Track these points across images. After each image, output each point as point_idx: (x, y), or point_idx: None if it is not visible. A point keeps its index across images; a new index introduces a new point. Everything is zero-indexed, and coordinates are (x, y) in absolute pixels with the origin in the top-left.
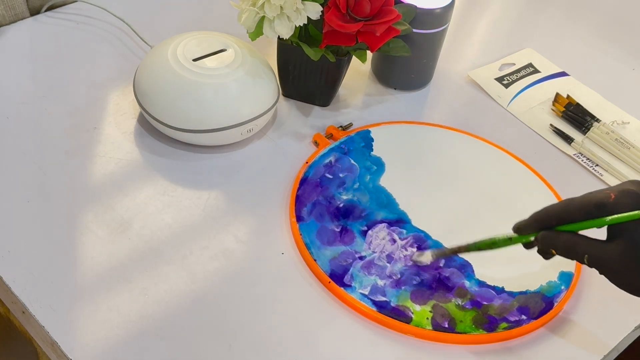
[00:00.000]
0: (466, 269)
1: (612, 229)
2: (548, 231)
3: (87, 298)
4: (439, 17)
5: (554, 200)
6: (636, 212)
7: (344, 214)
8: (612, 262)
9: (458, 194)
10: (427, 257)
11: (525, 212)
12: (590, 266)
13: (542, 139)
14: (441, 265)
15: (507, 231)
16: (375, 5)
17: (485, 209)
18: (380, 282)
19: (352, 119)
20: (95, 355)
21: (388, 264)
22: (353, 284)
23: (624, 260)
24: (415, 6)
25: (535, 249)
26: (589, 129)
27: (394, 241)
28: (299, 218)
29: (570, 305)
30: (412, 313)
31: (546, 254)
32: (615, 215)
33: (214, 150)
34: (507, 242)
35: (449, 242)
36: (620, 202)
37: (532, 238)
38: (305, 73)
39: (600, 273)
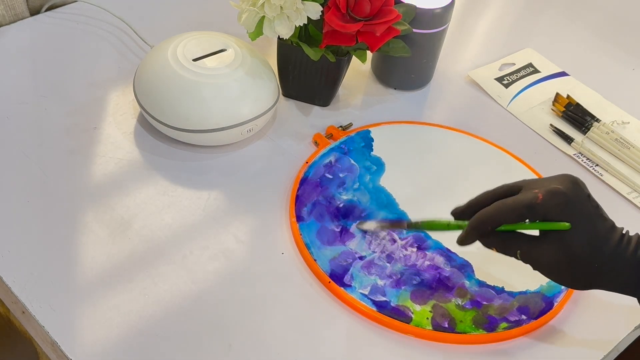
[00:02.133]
0: (466, 269)
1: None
2: (484, 237)
3: (87, 298)
4: (439, 17)
5: None
6: (563, 224)
7: (344, 214)
8: (542, 261)
9: (458, 194)
10: (370, 225)
11: None
12: (523, 261)
13: (542, 139)
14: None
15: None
16: (375, 5)
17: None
18: (380, 282)
19: (352, 119)
20: (95, 355)
21: (388, 264)
22: (353, 284)
23: (553, 259)
24: (415, 6)
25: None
26: (589, 129)
27: (394, 241)
28: (299, 218)
29: (570, 305)
30: (412, 313)
31: (462, 242)
32: (542, 224)
33: (214, 150)
34: (444, 226)
35: (449, 242)
36: (547, 203)
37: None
38: (305, 73)
39: (534, 269)
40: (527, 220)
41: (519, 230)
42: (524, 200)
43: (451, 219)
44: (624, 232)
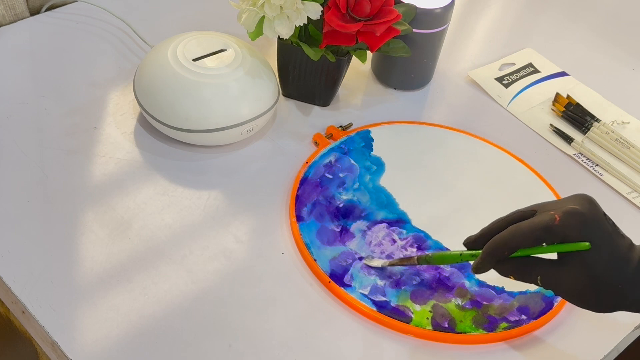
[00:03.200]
0: (466, 269)
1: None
2: (500, 264)
3: (87, 298)
4: (439, 17)
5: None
6: (583, 243)
7: (344, 214)
8: (565, 285)
9: (458, 194)
10: (378, 263)
11: None
12: (544, 287)
13: (542, 139)
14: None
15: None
16: (375, 5)
17: (485, 209)
18: (380, 282)
19: (352, 119)
20: (95, 355)
21: None
22: (353, 284)
23: (576, 283)
24: (415, 6)
25: (487, 218)
26: (589, 129)
27: (394, 241)
28: (299, 218)
29: (570, 305)
30: (412, 313)
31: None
32: (561, 246)
33: (214, 150)
34: (457, 258)
35: (449, 242)
36: (566, 224)
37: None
38: (305, 73)
39: (556, 294)
40: (544, 244)
41: (536, 256)
42: (541, 223)
43: (463, 249)
44: None
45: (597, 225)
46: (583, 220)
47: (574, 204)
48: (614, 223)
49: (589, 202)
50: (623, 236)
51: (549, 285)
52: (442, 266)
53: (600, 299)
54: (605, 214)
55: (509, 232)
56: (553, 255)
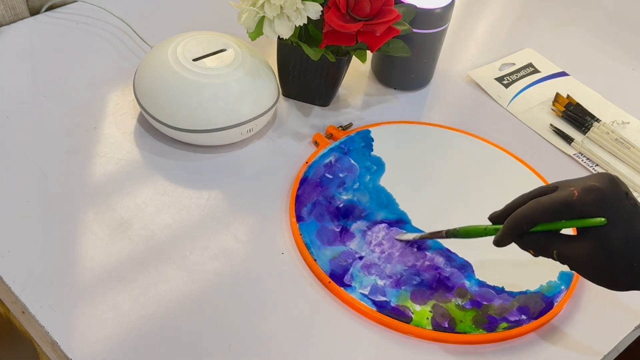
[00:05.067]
0: (466, 269)
1: (580, 228)
2: (520, 238)
3: (87, 298)
4: (439, 17)
5: None
6: (597, 219)
7: (344, 214)
8: (580, 260)
9: (458, 194)
10: (409, 237)
11: None
12: (560, 262)
13: (542, 139)
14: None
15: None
16: (375, 5)
17: (485, 209)
18: (380, 282)
19: (352, 119)
20: (95, 355)
21: (388, 264)
22: (353, 284)
23: (591, 258)
24: (415, 6)
25: (487, 218)
26: (589, 129)
27: (394, 241)
28: (299, 218)
29: (570, 305)
30: (412, 313)
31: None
32: (578, 221)
33: (214, 150)
34: (482, 231)
35: (449, 242)
36: (584, 200)
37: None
38: (305, 73)
39: (571, 269)
40: (563, 220)
41: (555, 231)
42: (559, 198)
43: (487, 223)
44: None
45: (616, 202)
46: (601, 197)
47: (594, 181)
48: (636, 202)
49: (609, 180)
50: None
51: (565, 260)
52: (441, 266)
53: (615, 276)
54: (627, 193)
55: (529, 206)
56: (572, 232)
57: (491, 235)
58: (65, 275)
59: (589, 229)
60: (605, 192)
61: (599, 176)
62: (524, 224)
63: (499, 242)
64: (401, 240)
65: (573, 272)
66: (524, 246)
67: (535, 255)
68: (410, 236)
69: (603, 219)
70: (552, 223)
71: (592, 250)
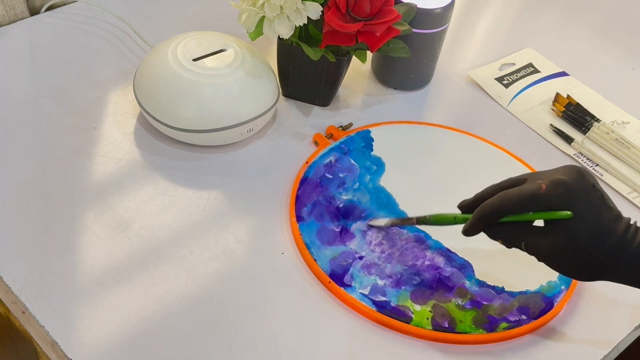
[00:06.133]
0: (466, 269)
1: (548, 220)
2: (489, 229)
3: (87, 298)
4: (439, 17)
5: None
6: (563, 212)
7: (344, 214)
8: (546, 252)
9: (458, 194)
10: (381, 222)
11: None
12: (528, 252)
13: (542, 139)
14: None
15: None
16: (375, 5)
17: None
18: (380, 282)
19: (352, 119)
20: (95, 355)
21: (388, 264)
22: (353, 284)
23: (557, 250)
24: (415, 6)
25: None
26: (589, 129)
27: (394, 241)
28: (299, 218)
29: (570, 305)
30: (412, 313)
31: (467, 234)
32: (544, 214)
33: (214, 150)
34: (451, 220)
35: (449, 242)
36: (551, 193)
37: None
38: (305, 73)
39: (538, 260)
40: (530, 212)
41: (523, 222)
42: (528, 191)
43: (458, 212)
44: (631, 222)
45: (582, 195)
46: (568, 190)
47: (562, 174)
48: (603, 194)
49: (577, 173)
50: (610, 208)
51: (532, 251)
52: (441, 266)
53: (580, 268)
54: (594, 185)
55: (499, 198)
56: (541, 223)
57: (460, 223)
58: (65, 275)
59: (556, 222)
60: (572, 185)
61: (567, 169)
62: (492, 215)
63: (468, 232)
64: (374, 226)
65: None
66: (493, 236)
67: (506, 246)
68: (382, 222)
69: (569, 212)
70: (520, 215)
71: (558, 244)
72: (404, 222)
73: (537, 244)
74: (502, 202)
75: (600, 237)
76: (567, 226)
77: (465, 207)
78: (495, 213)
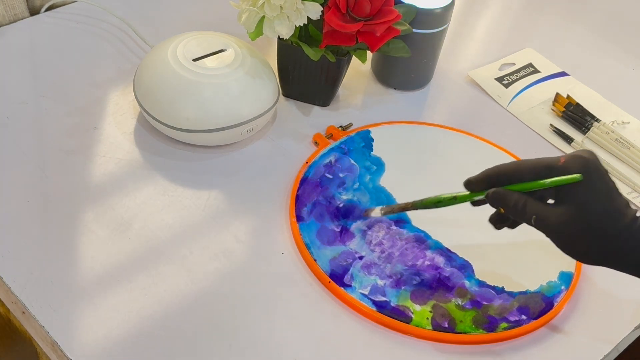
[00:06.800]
0: (466, 269)
1: (560, 194)
2: (500, 188)
3: (87, 298)
4: (439, 17)
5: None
6: (573, 175)
7: (344, 214)
8: (558, 226)
9: None
10: (376, 212)
11: None
12: (537, 227)
13: (542, 139)
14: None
15: (506, 232)
16: (375, 5)
17: (485, 209)
18: (380, 282)
19: (352, 119)
20: (95, 355)
21: (388, 264)
22: (353, 284)
23: (569, 225)
24: (415, 6)
25: (487, 218)
26: (589, 129)
27: (394, 241)
28: (299, 218)
29: (570, 305)
30: (412, 313)
31: (497, 222)
32: (555, 178)
33: (214, 150)
34: (451, 200)
35: (449, 242)
36: (568, 166)
37: (477, 198)
38: (305, 73)
39: (547, 236)
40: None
41: (536, 195)
42: (544, 161)
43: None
44: (637, 214)
45: (599, 173)
46: (585, 164)
47: (583, 153)
48: (614, 184)
49: (594, 155)
50: (621, 195)
51: (541, 225)
52: (441, 266)
53: (588, 246)
54: (608, 172)
55: (514, 163)
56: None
57: (461, 202)
58: (65, 275)
59: (570, 196)
60: (590, 161)
61: (585, 150)
62: (503, 175)
63: (470, 183)
64: (370, 216)
65: (572, 273)
66: (498, 200)
67: (511, 225)
68: (378, 212)
69: (579, 175)
70: (531, 182)
71: (570, 217)
72: (400, 208)
73: (549, 217)
74: (518, 166)
75: (613, 216)
76: (580, 201)
77: (472, 184)
78: (507, 176)
